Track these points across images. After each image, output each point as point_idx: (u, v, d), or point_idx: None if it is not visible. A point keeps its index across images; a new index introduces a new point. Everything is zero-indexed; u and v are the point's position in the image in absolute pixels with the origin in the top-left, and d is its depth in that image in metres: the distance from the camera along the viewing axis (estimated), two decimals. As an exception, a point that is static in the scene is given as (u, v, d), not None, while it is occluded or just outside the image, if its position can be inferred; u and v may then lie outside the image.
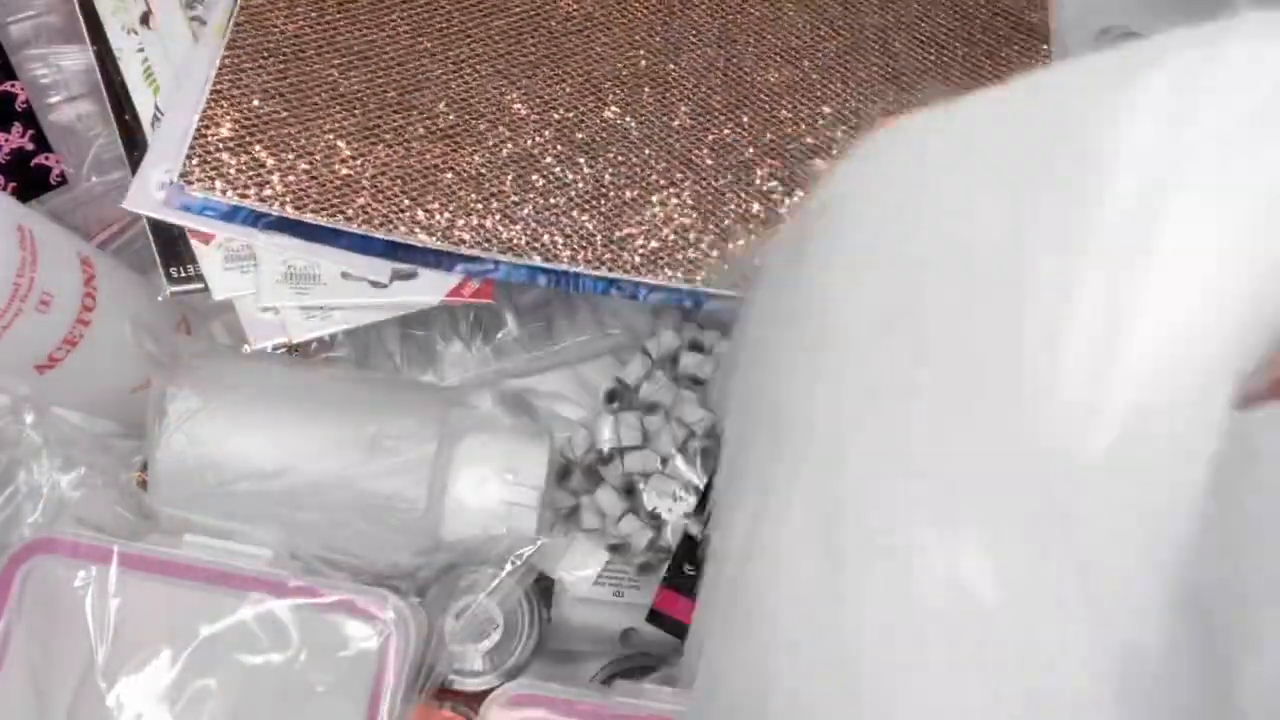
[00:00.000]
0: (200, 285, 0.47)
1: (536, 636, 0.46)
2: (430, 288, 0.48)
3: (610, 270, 0.48)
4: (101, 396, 0.47)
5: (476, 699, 0.44)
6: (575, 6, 0.55)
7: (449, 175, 0.49)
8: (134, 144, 0.50)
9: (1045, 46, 0.58)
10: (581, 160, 0.50)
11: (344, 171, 0.48)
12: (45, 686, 0.40)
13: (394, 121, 0.49)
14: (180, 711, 0.40)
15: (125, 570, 0.41)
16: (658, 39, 0.54)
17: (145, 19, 0.51)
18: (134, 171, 0.49)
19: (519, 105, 0.51)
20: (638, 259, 0.49)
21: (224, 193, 0.46)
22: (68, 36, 0.53)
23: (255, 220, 0.46)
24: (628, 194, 0.50)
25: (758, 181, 0.51)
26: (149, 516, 0.44)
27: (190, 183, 0.46)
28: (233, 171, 0.47)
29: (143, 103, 0.50)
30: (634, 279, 0.49)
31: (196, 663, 0.40)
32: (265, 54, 0.49)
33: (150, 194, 0.47)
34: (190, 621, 0.41)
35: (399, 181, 0.48)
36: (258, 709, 0.40)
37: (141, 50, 0.51)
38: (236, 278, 0.47)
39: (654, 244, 0.49)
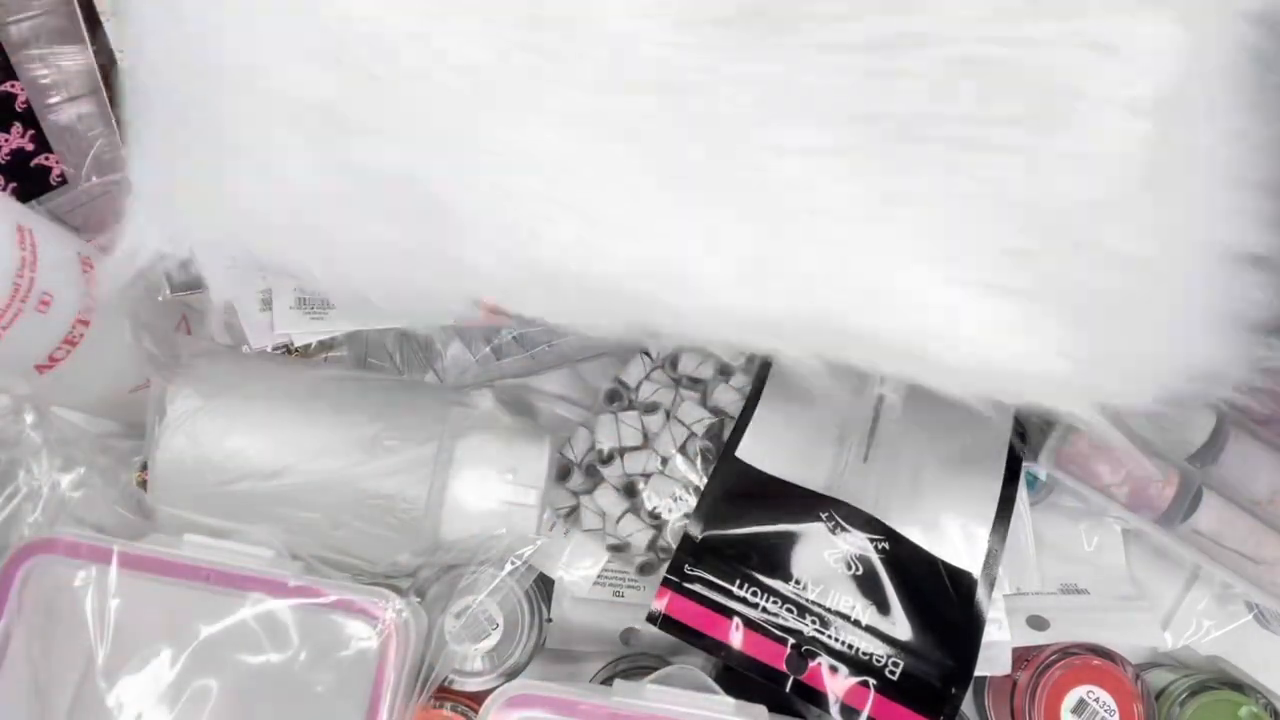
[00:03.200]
0: (201, 285, 0.47)
1: (536, 636, 0.46)
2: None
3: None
4: (101, 396, 0.47)
5: (476, 699, 0.44)
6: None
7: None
8: (134, 144, 0.50)
9: None
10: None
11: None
12: (45, 686, 0.40)
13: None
14: (180, 711, 0.40)
15: (125, 570, 0.41)
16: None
17: (145, 19, 0.51)
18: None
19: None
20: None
21: None
22: (68, 37, 0.53)
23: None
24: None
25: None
26: (149, 516, 0.44)
27: None
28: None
29: (143, 103, 0.50)
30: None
31: (196, 663, 0.40)
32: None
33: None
34: (190, 621, 0.41)
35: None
36: (257, 709, 0.41)
37: (141, 50, 0.51)
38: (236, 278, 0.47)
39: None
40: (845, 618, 0.45)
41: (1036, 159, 0.34)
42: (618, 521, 0.49)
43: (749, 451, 0.48)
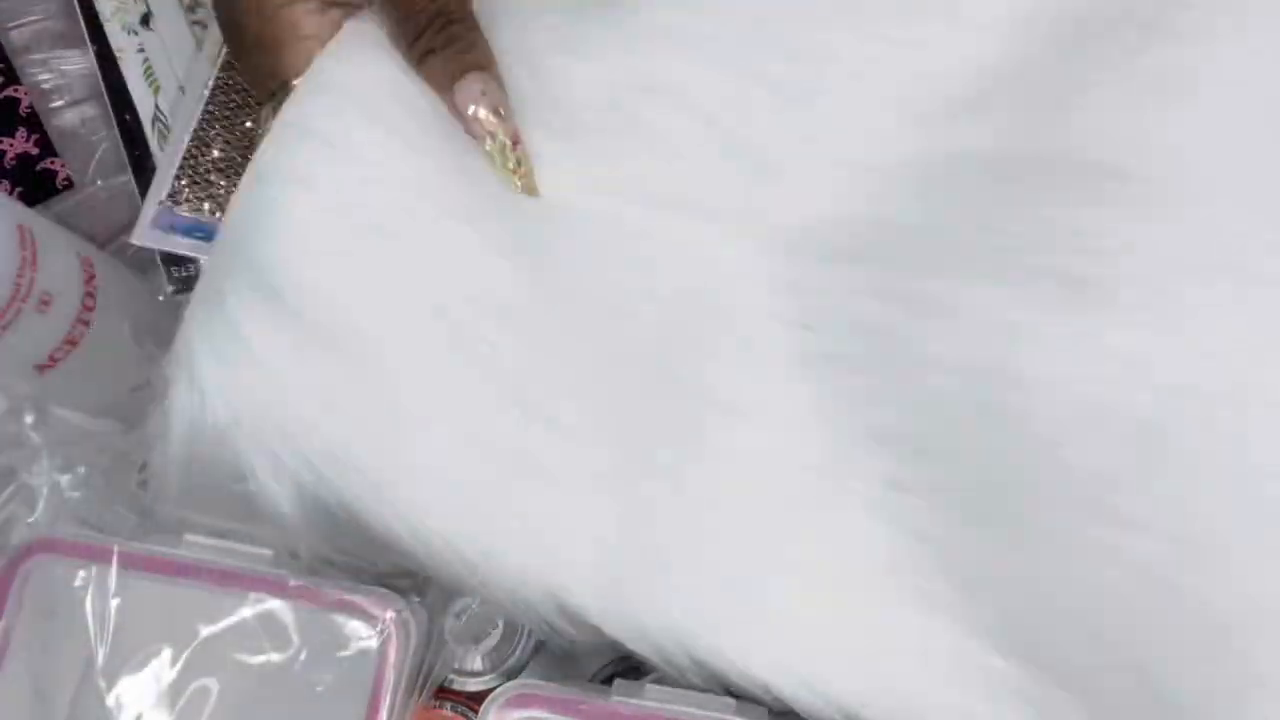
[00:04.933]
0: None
1: (536, 636, 0.46)
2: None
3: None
4: (101, 396, 0.47)
5: (476, 699, 0.43)
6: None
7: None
8: (134, 143, 0.50)
9: None
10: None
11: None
12: (45, 686, 0.40)
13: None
14: (180, 711, 0.40)
15: (125, 570, 0.41)
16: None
17: (146, 20, 0.51)
18: (134, 170, 0.49)
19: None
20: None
21: (213, 213, 0.46)
22: (69, 41, 0.53)
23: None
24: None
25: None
26: (149, 516, 0.44)
27: (178, 203, 0.46)
28: (222, 193, 0.46)
29: (143, 103, 0.50)
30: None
31: (196, 663, 0.40)
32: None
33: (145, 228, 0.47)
34: (190, 621, 0.41)
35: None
36: (257, 709, 0.40)
37: (142, 50, 0.51)
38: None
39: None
40: (847, 617, 0.45)
41: None
42: (619, 521, 0.48)
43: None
